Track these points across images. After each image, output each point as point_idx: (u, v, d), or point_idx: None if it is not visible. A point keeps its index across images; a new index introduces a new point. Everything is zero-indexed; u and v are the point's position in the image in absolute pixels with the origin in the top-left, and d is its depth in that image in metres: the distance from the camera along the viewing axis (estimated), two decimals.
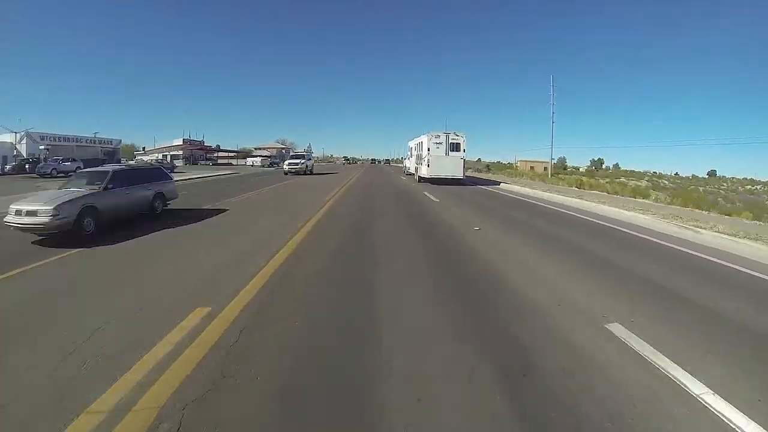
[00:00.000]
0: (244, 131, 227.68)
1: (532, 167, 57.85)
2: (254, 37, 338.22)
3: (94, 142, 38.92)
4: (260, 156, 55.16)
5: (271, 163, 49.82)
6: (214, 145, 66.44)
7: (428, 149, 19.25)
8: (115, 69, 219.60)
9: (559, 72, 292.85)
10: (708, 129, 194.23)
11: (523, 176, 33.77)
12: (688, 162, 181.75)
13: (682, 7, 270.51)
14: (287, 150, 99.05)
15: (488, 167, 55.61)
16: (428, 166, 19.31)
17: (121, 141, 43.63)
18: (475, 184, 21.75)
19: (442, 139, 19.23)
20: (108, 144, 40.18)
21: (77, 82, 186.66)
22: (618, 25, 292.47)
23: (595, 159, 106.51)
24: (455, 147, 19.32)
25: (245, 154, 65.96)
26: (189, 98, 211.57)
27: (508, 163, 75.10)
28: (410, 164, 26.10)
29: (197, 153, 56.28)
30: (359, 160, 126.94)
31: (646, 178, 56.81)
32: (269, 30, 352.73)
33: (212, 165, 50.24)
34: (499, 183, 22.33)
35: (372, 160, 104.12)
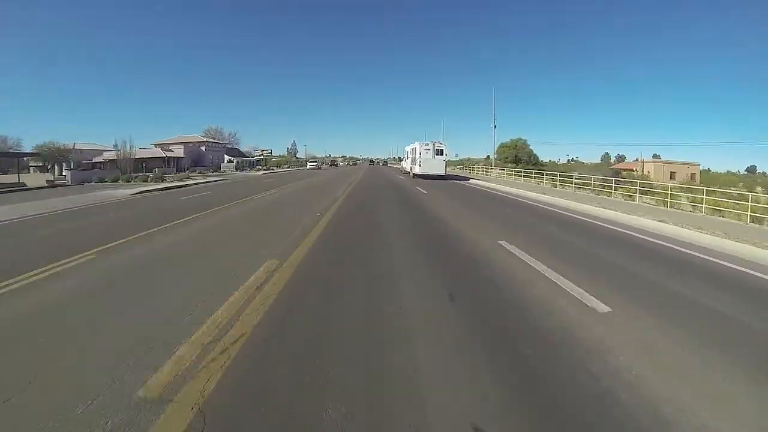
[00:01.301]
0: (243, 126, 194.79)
1: (673, 173, 42.98)
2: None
3: None
4: None
5: None
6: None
7: (420, 153, 25.16)
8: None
9: (570, 69, 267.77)
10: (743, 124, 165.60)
11: None
12: (714, 157, 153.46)
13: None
14: (218, 146, 55.96)
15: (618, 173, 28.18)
16: (420, 165, 25.22)
17: None
18: None
19: (431, 146, 25.25)
20: None
21: None
22: (621, 23, 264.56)
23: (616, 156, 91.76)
24: (440, 152, 25.20)
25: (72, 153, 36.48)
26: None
27: (608, 164, 58.57)
28: (407, 165, 32.49)
29: None
30: (359, 160, 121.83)
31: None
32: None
33: None
34: None
35: (370, 160, 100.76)
